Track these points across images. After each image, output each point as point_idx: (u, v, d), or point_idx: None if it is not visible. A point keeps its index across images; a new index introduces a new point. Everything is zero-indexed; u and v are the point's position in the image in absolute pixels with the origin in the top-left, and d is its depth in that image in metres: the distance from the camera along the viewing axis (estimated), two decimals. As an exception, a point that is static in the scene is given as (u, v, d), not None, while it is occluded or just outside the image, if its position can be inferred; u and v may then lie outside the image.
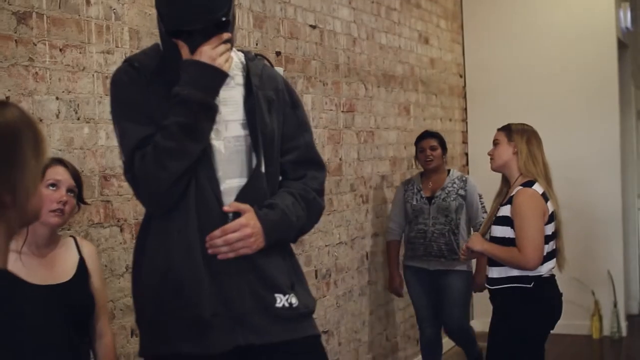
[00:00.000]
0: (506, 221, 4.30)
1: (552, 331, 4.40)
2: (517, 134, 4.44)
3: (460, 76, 8.22)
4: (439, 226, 5.78)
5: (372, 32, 6.27)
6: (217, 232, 2.48)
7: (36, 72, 3.35)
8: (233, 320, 2.50)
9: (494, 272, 4.34)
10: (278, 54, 4.98)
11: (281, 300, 2.55)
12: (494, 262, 4.34)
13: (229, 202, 2.53)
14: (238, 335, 2.50)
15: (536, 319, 4.26)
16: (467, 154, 8.19)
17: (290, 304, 2.56)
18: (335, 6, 5.70)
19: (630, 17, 8.24)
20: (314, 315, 2.73)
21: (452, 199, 5.80)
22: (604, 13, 7.74)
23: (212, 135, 2.52)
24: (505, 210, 4.32)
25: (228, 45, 2.50)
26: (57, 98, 3.44)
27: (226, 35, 2.49)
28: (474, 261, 5.75)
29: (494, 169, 4.53)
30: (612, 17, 7.71)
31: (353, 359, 5.80)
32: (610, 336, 7.78)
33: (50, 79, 3.42)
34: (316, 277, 5.33)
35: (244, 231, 2.47)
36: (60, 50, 3.47)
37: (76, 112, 3.50)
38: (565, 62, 7.80)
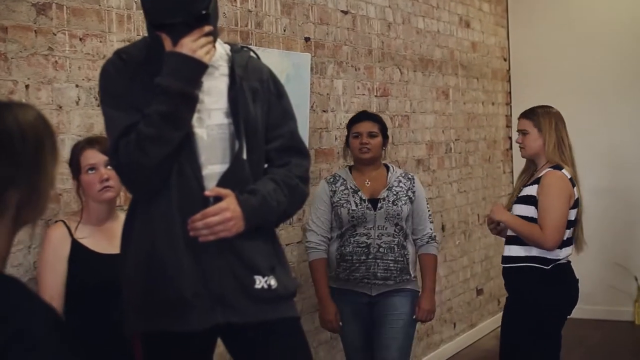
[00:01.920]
0: (530, 200, 4.31)
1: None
2: (544, 120, 4.41)
3: (505, 60, 8.19)
4: (387, 238, 4.50)
5: (409, 17, 6.30)
6: (198, 216, 2.59)
7: (56, 61, 3.49)
8: (213, 299, 2.62)
9: (512, 250, 4.37)
10: (307, 39, 5.06)
11: (260, 282, 2.66)
12: (513, 240, 4.37)
13: (210, 187, 2.64)
14: (217, 314, 2.62)
15: (553, 302, 4.27)
16: (510, 138, 8.17)
17: (269, 285, 2.67)
18: (369, -8, 5.76)
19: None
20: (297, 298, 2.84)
21: (402, 202, 4.54)
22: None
23: (195, 123, 2.64)
24: (530, 190, 4.33)
25: (210, 38, 2.61)
26: (77, 86, 3.58)
27: (207, 28, 2.59)
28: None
29: (525, 157, 4.55)
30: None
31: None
32: (653, 322, 7.72)
33: (70, 68, 3.55)
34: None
35: (224, 215, 2.58)
36: (80, 39, 3.60)
37: (96, 99, 3.62)
38: (609, 48, 7.72)
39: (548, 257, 4.25)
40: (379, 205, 4.50)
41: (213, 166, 2.66)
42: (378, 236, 4.48)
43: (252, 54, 2.86)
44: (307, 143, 4.77)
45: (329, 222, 4.55)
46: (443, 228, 6.79)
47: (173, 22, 2.56)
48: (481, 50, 7.65)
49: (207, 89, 2.67)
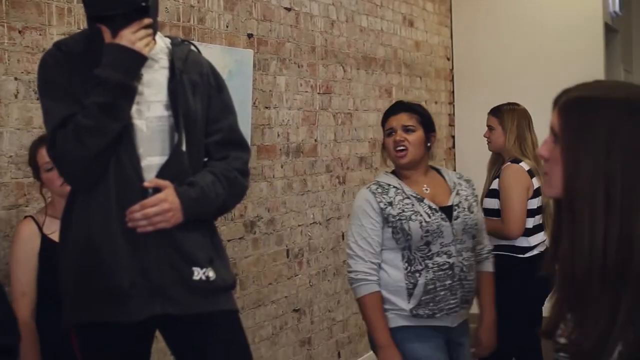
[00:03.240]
0: (495, 193, 4.64)
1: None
2: (507, 118, 4.79)
3: (448, 59, 8.27)
4: (467, 254, 3.65)
5: (352, 15, 6.33)
6: (136, 207, 2.61)
7: (-6, 53, 3.45)
8: (151, 290, 2.64)
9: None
10: (250, 36, 5.06)
11: (198, 274, 2.68)
12: None
13: (149, 178, 2.66)
14: (155, 305, 2.64)
15: (527, 291, 4.49)
16: (453, 137, 8.25)
17: (207, 277, 2.70)
18: (313, -11, 5.78)
19: (620, 1, 8.26)
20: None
21: (476, 209, 3.75)
22: (591, -1, 7.78)
23: (135, 115, 2.65)
24: (494, 184, 4.67)
25: (149, 31, 2.63)
26: (15, 79, 3.54)
27: (147, 21, 2.62)
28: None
29: (491, 151, 4.92)
30: (600, 2, 7.74)
31: (327, 337, 5.90)
32: None
33: (9, 60, 3.51)
34: (287, 257, 5.42)
35: (162, 206, 2.61)
36: (20, 32, 3.57)
37: (35, 93, 3.59)
38: (552, 47, 7.83)
39: (517, 245, 4.54)
40: (455, 214, 3.61)
41: (152, 158, 2.67)
42: (459, 252, 3.58)
43: (192, 47, 2.88)
44: (249, 139, 4.79)
45: (379, 245, 3.57)
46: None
47: (112, 14, 2.58)
48: (425, 50, 7.71)
49: (146, 82, 2.68)
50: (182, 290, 2.66)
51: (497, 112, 4.85)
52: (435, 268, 3.50)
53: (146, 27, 2.61)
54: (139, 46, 2.58)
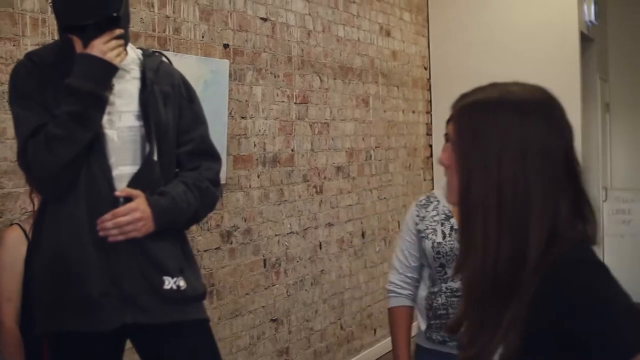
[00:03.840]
0: None
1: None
2: None
3: (425, 68, 8.30)
4: None
5: (329, 25, 6.36)
6: (107, 216, 2.62)
7: (-33, 64, 3.45)
8: (122, 299, 2.64)
9: None
10: (226, 46, 5.07)
11: (169, 283, 2.69)
12: None
13: (120, 188, 2.67)
14: (126, 314, 2.65)
15: None
16: (431, 146, 8.28)
17: (178, 286, 2.71)
18: (289, -1, 5.79)
19: (595, 11, 8.32)
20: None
21: None
22: (567, 8, 7.81)
23: (106, 125, 2.67)
24: None
25: (120, 41, 2.65)
26: (-12, 89, 3.54)
27: (118, 31, 2.64)
28: None
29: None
30: (575, 11, 7.80)
31: (304, 347, 5.90)
32: None
33: (-18, 71, 3.51)
34: (265, 266, 5.43)
35: (133, 215, 2.62)
36: (-7, 42, 3.56)
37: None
38: (529, 56, 7.87)
39: None
40: None
41: (124, 167, 2.69)
42: None
43: (163, 58, 2.91)
44: (225, 149, 4.80)
45: (415, 258, 3.40)
46: (363, 235, 6.85)
47: (84, 24, 2.59)
48: (402, 59, 7.74)
49: (118, 92, 2.70)
50: (153, 299, 2.67)
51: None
52: (449, 293, 3.25)
53: (118, 37, 2.63)
54: (110, 56, 2.60)
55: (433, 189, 7.83)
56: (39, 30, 3.79)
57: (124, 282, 2.64)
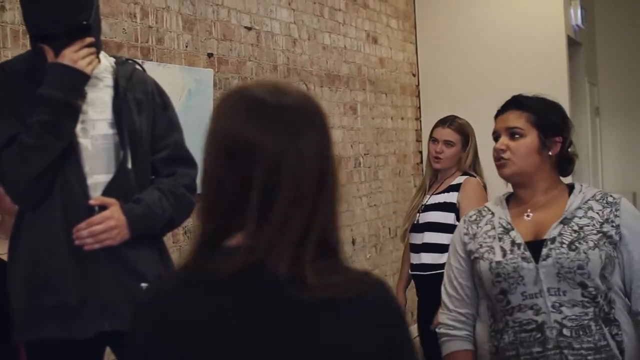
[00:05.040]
0: (449, 207, 4.53)
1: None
2: (471, 135, 4.70)
3: (414, 75, 8.32)
4: (571, 309, 2.54)
5: (314, 33, 6.37)
6: (82, 225, 2.63)
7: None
8: (99, 306, 2.65)
9: (423, 258, 4.50)
10: (210, 55, 5.08)
11: None
12: (427, 248, 4.48)
13: (95, 196, 2.68)
14: (104, 321, 2.66)
15: None
16: (420, 152, 8.29)
17: None
18: (273, 8, 5.80)
19: (582, 15, 8.35)
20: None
21: (589, 244, 2.55)
22: (553, 13, 7.83)
23: (80, 133, 2.68)
24: (447, 197, 4.55)
25: (92, 49, 2.66)
26: (-31, 101, 3.54)
27: (89, 39, 2.65)
28: None
29: (440, 169, 4.73)
30: (562, 16, 7.82)
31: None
32: None
33: (-38, 83, 3.51)
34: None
35: (108, 223, 2.63)
36: (-27, 55, 3.58)
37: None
38: (517, 61, 7.89)
39: None
40: (545, 251, 2.57)
41: (98, 176, 2.70)
42: (554, 307, 2.53)
43: (137, 66, 2.91)
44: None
45: (470, 289, 2.76)
46: (353, 242, 6.85)
47: (54, 33, 2.60)
48: (389, 66, 7.75)
49: (91, 100, 2.71)
50: (131, 306, 2.67)
51: (461, 131, 4.71)
52: (517, 328, 2.57)
53: (89, 45, 2.64)
54: (81, 65, 2.61)
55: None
56: (20, 42, 3.79)
57: (101, 289, 2.65)
